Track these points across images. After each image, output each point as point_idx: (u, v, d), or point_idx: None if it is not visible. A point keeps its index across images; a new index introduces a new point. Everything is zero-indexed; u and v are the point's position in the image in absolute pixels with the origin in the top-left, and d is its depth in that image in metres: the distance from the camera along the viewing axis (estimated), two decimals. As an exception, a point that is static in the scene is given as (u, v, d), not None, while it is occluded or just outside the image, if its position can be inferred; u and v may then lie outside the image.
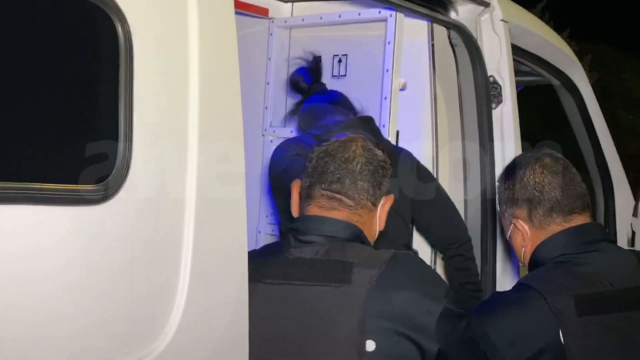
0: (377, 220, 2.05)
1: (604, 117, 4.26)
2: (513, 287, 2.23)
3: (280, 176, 2.76)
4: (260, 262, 1.97)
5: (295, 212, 2.08)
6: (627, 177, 4.41)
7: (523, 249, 2.26)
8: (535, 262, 2.22)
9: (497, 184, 2.41)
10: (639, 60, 22.01)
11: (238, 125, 1.87)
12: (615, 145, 4.37)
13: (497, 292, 2.44)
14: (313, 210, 1.99)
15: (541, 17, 17.55)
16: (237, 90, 1.87)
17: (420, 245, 3.18)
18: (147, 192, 1.71)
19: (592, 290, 2.05)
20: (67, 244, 1.58)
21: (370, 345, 1.80)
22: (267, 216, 3.61)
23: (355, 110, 3.06)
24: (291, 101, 3.40)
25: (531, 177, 2.20)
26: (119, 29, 1.67)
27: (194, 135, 1.77)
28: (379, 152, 2.04)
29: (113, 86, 1.67)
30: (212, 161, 1.81)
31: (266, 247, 2.15)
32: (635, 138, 20.35)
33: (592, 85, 4.23)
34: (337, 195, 1.98)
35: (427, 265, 2.07)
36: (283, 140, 3.51)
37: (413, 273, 1.91)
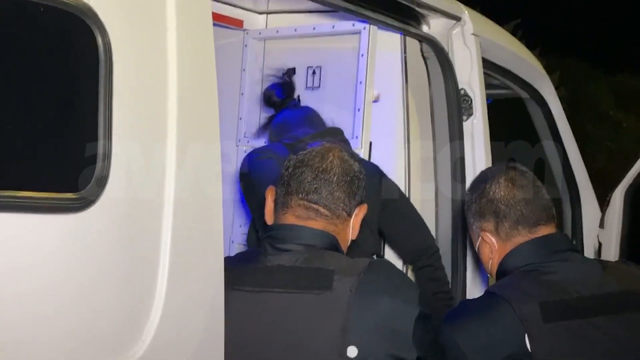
0: (350, 230, 2.10)
1: (572, 131, 4.34)
2: (481, 295, 2.28)
3: (253, 176, 2.81)
4: (236, 269, 2.00)
5: (269, 220, 2.10)
6: (595, 190, 4.49)
7: (490, 260, 2.31)
8: (502, 272, 2.27)
9: (465, 197, 2.45)
10: (607, 74, 22.39)
11: (215, 135, 1.90)
12: (583, 159, 4.45)
13: (465, 300, 2.49)
14: (290, 219, 2.02)
15: (513, 34, 17.81)
16: (215, 101, 1.91)
17: (390, 257, 3.22)
18: (126, 200, 1.73)
19: (558, 298, 2.10)
20: (46, 251, 1.60)
21: (352, 352, 1.83)
22: (240, 226, 3.62)
23: (324, 124, 3.11)
24: (264, 115, 3.43)
25: (497, 190, 2.26)
26: (99, 40, 1.70)
27: (172, 145, 1.80)
28: (355, 163, 2.08)
29: (92, 96, 1.70)
30: (190, 169, 1.84)
31: (241, 255, 2.18)
32: (603, 152, 20.67)
33: (560, 99, 4.32)
34: (314, 206, 2.01)
35: (399, 269, 2.12)
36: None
37: (390, 279, 1.96)
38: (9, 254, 1.54)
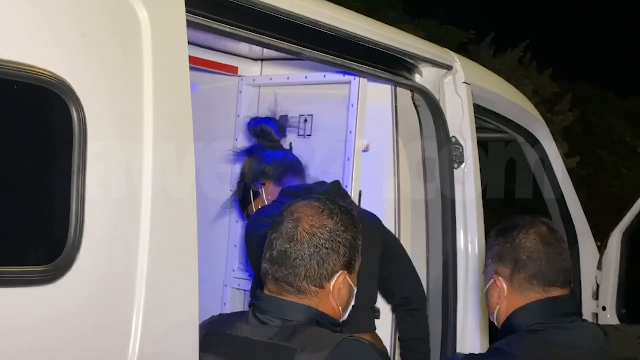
0: (332, 298, 2.01)
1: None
2: (487, 351, 2.31)
3: (251, 242, 2.84)
4: (212, 333, 2.01)
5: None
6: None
7: (497, 306, 2.31)
8: (509, 326, 2.29)
9: (489, 235, 2.45)
10: (621, 99, 22.33)
11: (192, 206, 1.93)
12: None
13: (472, 354, 2.49)
14: (266, 292, 2.02)
15: (523, 56, 17.86)
16: (192, 174, 1.94)
17: (381, 302, 3.25)
18: (97, 271, 1.77)
19: None
20: (17, 324, 1.64)
21: None
22: (233, 270, 3.65)
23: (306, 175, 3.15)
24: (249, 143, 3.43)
25: (524, 240, 2.26)
26: (74, 114, 1.75)
27: (145, 214, 1.84)
28: (327, 229, 1.99)
29: (65, 168, 1.74)
30: (163, 238, 1.87)
31: (225, 317, 2.18)
32: (618, 178, 20.57)
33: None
34: (280, 282, 1.98)
35: (369, 350, 1.99)
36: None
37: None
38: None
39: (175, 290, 1.91)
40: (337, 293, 2.01)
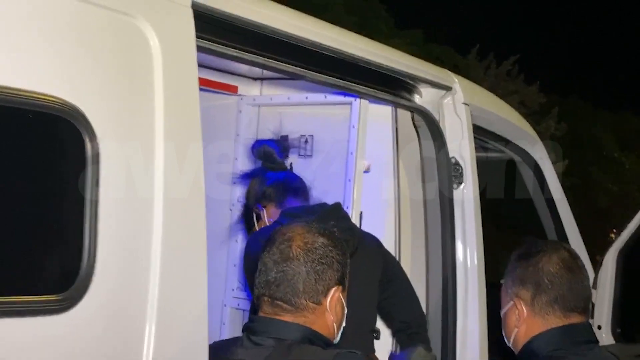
0: (329, 314, 2.04)
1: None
2: None
3: (252, 260, 2.83)
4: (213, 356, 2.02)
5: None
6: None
7: (516, 329, 2.31)
8: (529, 351, 2.29)
9: (511, 258, 2.44)
10: (610, 115, 22.47)
11: (202, 235, 1.93)
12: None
13: None
14: (261, 314, 2.03)
15: (511, 70, 17.96)
16: (202, 201, 1.94)
17: (381, 324, 3.25)
18: (110, 299, 1.76)
19: None
20: (30, 354, 1.63)
21: None
22: (232, 290, 3.65)
23: (310, 196, 3.15)
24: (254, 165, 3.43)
25: (547, 264, 2.27)
26: (87, 142, 1.74)
27: (156, 245, 1.84)
28: (319, 245, 2.02)
29: (79, 196, 1.73)
30: (175, 268, 1.87)
31: (223, 343, 2.18)
32: (606, 193, 20.67)
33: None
34: (277, 301, 2.00)
35: None
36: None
37: None
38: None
39: (186, 317, 1.91)
40: (333, 309, 2.04)
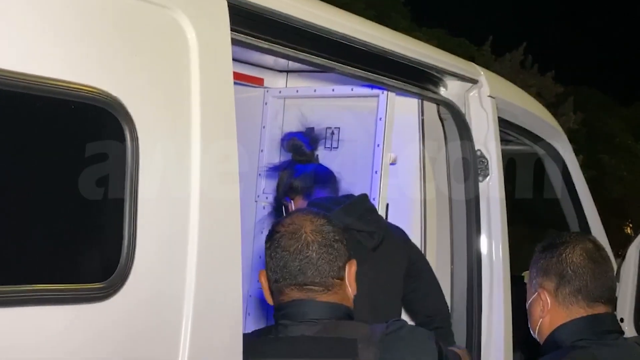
0: (348, 288, 2.11)
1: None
2: None
3: None
4: (257, 342, 2.04)
5: (269, 300, 2.14)
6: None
7: (540, 319, 2.33)
8: (553, 341, 2.31)
9: (536, 250, 2.46)
10: (623, 104, 22.37)
11: (236, 224, 1.95)
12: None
13: None
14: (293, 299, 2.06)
15: (524, 59, 17.86)
16: (236, 190, 1.97)
17: (406, 318, 3.26)
18: (149, 287, 1.79)
19: None
20: (72, 342, 1.66)
21: None
22: (257, 281, 3.66)
23: (339, 188, 3.16)
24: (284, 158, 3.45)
25: (571, 255, 2.29)
26: (127, 133, 1.77)
27: (193, 234, 1.86)
28: (328, 227, 2.08)
29: (119, 186, 1.76)
30: (211, 259, 1.89)
31: (258, 331, 2.21)
32: (619, 182, 20.60)
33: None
34: (306, 287, 2.04)
35: (416, 328, 2.15)
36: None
37: (410, 343, 2.01)
38: (37, 347, 1.59)
39: (222, 305, 1.93)
40: (353, 282, 2.12)
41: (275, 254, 2.06)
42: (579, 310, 2.26)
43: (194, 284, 1.85)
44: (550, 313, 2.30)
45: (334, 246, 2.06)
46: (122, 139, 1.77)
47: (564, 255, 2.29)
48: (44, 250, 1.66)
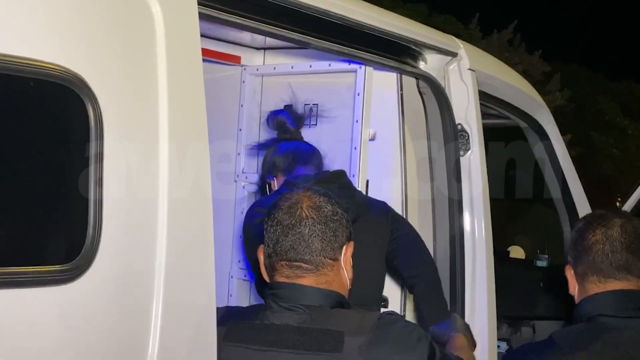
0: (343, 272, 2.07)
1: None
2: (544, 339, 2.36)
3: (249, 234, 2.82)
4: (242, 325, 2.01)
5: (266, 278, 2.11)
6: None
7: (573, 295, 2.40)
8: (576, 317, 2.34)
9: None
10: (612, 82, 22.38)
11: (207, 199, 1.91)
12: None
13: (530, 342, 2.58)
14: (280, 279, 2.03)
15: (513, 37, 17.82)
16: (207, 174, 1.93)
17: (390, 288, 3.23)
18: (116, 269, 1.75)
19: (612, 358, 2.15)
20: (36, 324, 1.62)
21: None
22: (239, 261, 3.64)
23: (322, 164, 3.10)
24: (266, 136, 3.40)
25: (590, 234, 2.32)
26: (90, 111, 1.72)
27: (162, 211, 1.82)
28: (327, 205, 2.04)
29: (83, 165, 1.71)
30: (181, 234, 1.85)
31: (246, 310, 2.18)
32: (608, 159, 20.66)
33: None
34: (296, 263, 2.00)
35: (408, 322, 2.11)
36: (254, 184, 3.58)
37: (399, 337, 1.96)
38: (3, 330, 1.55)
39: (193, 285, 1.90)
40: (348, 265, 2.08)
41: (271, 228, 2.04)
42: (595, 288, 2.29)
43: (164, 265, 1.81)
44: (577, 288, 2.36)
45: (330, 225, 2.02)
46: (85, 118, 1.72)
47: (585, 234, 2.33)
48: (6, 233, 1.62)
